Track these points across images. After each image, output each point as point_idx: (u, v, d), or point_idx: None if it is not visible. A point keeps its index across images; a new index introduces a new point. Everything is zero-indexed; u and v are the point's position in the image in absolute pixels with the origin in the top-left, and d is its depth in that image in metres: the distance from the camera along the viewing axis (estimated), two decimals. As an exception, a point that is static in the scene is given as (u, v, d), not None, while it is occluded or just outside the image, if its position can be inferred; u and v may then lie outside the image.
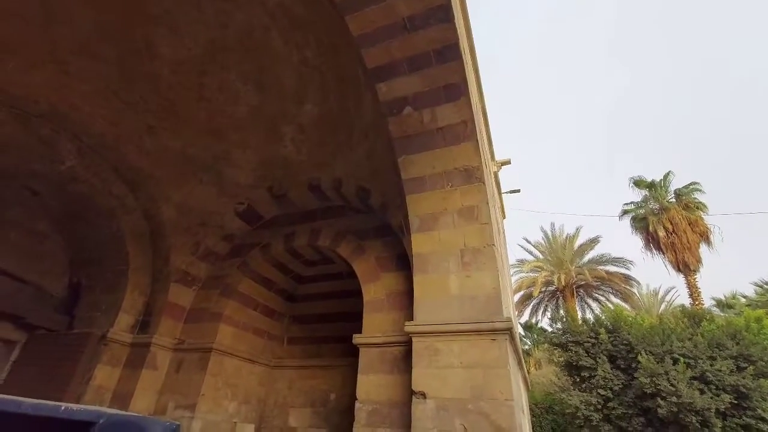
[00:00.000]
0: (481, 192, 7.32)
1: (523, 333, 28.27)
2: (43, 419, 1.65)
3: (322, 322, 11.17)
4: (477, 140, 7.32)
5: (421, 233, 7.53)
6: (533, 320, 27.83)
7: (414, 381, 6.42)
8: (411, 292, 7.41)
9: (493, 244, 7.02)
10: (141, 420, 2.11)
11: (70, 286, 10.58)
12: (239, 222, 10.67)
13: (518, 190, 12.92)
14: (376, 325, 7.88)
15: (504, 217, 13.15)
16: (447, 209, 7.45)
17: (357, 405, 7.22)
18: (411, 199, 7.63)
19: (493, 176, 10.59)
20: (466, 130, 7.29)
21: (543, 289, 26.19)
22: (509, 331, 6.36)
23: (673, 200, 25.27)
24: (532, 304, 26.94)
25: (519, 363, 7.56)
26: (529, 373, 14.44)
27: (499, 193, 12.33)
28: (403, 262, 8.37)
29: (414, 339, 6.80)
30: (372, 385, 7.31)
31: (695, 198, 25.04)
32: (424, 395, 6.25)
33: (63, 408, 1.75)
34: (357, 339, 7.82)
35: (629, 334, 12.57)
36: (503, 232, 12.16)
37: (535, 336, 26.37)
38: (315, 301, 11.50)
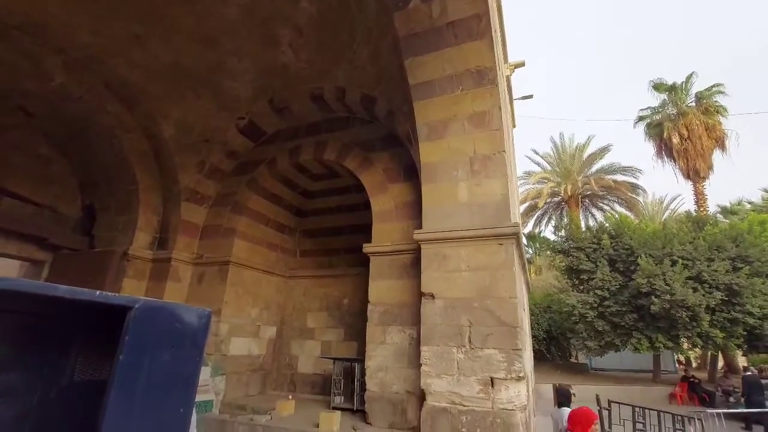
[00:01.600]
0: (494, 95, 6.93)
1: (526, 243, 29.31)
2: (80, 305, 1.73)
3: (333, 235, 11.51)
4: (491, 37, 6.70)
5: (430, 142, 7.32)
6: (536, 231, 28.59)
7: (423, 284, 6.77)
8: (419, 202, 7.47)
9: (504, 151, 6.85)
10: (175, 306, 2.22)
11: (83, 208, 10.80)
12: (242, 138, 10.43)
13: (531, 96, 12.23)
14: (385, 234, 8.09)
15: (514, 126, 12.68)
16: (457, 115, 7.13)
17: (369, 307, 7.74)
18: (419, 106, 7.28)
19: (505, 80, 9.95)
20: (479, 25, 6.64)
21: (548, 201, 26.40)
22: (515, 235, 6.50)
23: (693, 104, 24.07)
24: (536, 215, 27.44)
25: (522, 266, 7.87)
26: (530, 278, 15.19)
27: (510, 100, 11.72)
28: (411, 173, 8.29)
29: (423, 246, 7.02)
30: (382, 289, 7.75)
31: (716, 101, 23.80)
32: (432, 296, 6.64)
33: (98, 293, 1.83)
34: (367, 248, 8.10)
35: (631, 239, 12.92)
36: (512, 141, 11.84)
37: (538, 245, 27.32)
38: (324, 215, 11.73)
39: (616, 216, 15.46)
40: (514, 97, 12.64)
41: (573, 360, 17.08)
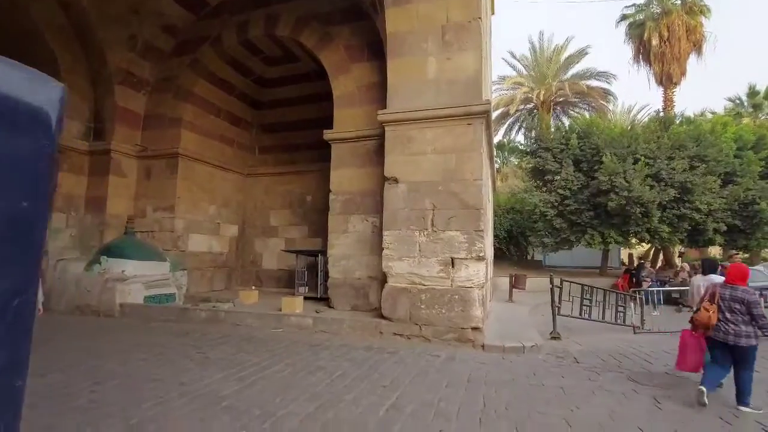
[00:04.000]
0: (471, -54, 5.89)
1: (495, 153, 29.10)
2: None
3: (294, 129, 10.68)
4: None
5: (397, 7, 6.34)
6: (505, 139, 28.41)
7: (386, 168, 6.39)
8: (384, 84, 6.73)
9: (480, 18, 6.04)
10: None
11: None
12: (180, 9, 8.85)
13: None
14: (348, 120, 7.45)
15: (492, 12, 11.46)
16: (428, -28, 6.10)
17: (331, 197, 7.41)
18: (384, -40, 6.15)
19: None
20: None
21: (520, 107, 25.82)
22: (486, 114, 6.05)
23: (678, 2, 22.89)
24: (507, 123, 27.01)
25: (489, 147, 7.56)
26: (495, 187, 15.21)
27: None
28: (376, 51, 7.39)
29: (387, 128, 6.48)
30: (344, 178, 7.35)
31: (701, 1, 22.68)
32: (396, 180, 6.31)
33: None
34: (328, 135, 7.49)
35: (599, 139, 12.87)
36: (489, 27, 10.76)
37: (506, 154, 27.36)
38: (284, 107, 10.75)
39: (587, 117, 15.39)
40: (495, -27, 11.19)
41: (529, 258, 18.31)
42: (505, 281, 12.71)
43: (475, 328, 5.66)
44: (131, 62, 8.87)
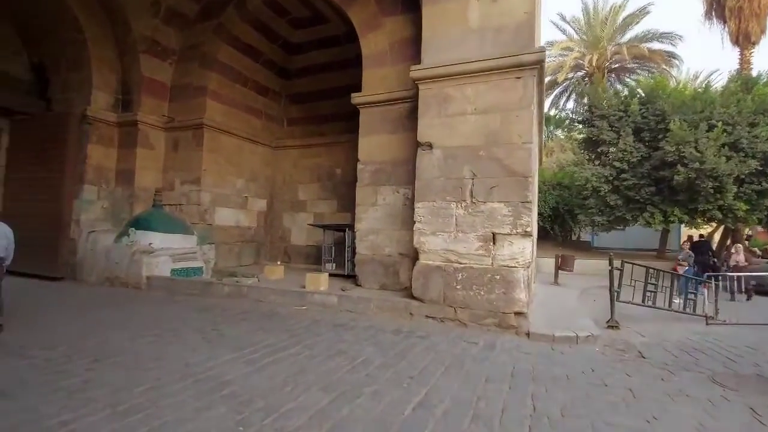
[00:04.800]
0: None
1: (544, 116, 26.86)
2: None
3: (322, 99, 10.09)
4: None
5: (433, -57, 5.47)
6: (551, 112, 26.34)
7: (420, 133, 5.66)
8: (419, 39, 5.93)
9: (532, -53, 5.05)
10: None
11: (33, 68, 9.31)
12: (201, -30, 8.36)
13: None
14: (377, 81, 6.72)
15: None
16: None
17: (359, 166, 6.79)
18: None
19: None
20: None
21: (570, 76, 23.65)
22: (539, 65, 5.12)
23: (762, -52, 19.68)
24: (554, 93, 24.91)
25: (540, 107, 6.60)
26: (541, 159, 13.88)
27: None
28: (410, 2, 6.54)
29: (421, 87, 5.72)
30: (374, 145, 6.69)
31: (791, -56, 19.36)
32: (430, 146, 5.58)
33: None
34: (356, 98, 6.82)
35: (665, 103, 11.27)
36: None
37: (551, 128, 25.38)
38: (312, 76, 10.15)
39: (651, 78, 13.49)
40: None
41: (574, 239, 16.88)
42: (548, 262, 11.73)
43: (518, 313, 4.94)
44: (155, 30, 8.55)
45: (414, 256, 5.76)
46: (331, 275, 7.34)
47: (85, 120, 8.31)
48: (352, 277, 7.20)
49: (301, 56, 10.03)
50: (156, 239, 7.54)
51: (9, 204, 8.61)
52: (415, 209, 5.60)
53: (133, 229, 7.65)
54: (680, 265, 8.48)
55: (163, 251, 7.48)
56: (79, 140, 8.29)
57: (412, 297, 5.47)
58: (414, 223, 5.61)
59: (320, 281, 6.19)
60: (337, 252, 8.40)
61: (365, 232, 6.60)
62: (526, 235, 5.08)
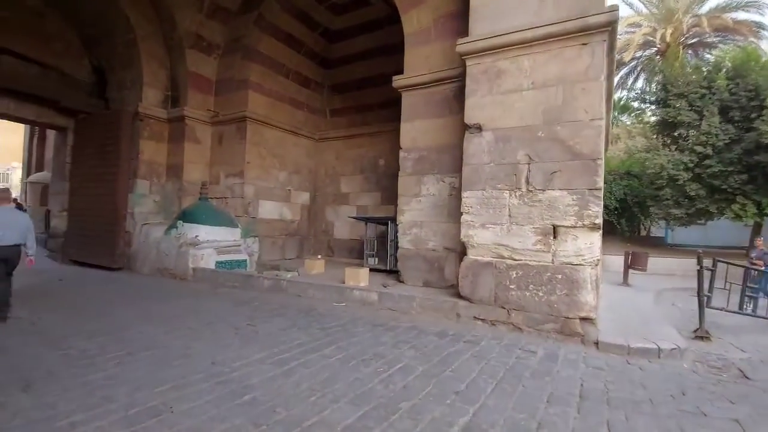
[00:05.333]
0: None
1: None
2: None
3: (365, 87, 9.73)
4: None
5: None
6: (615, 96, 24.02)
7: (467, 114, 5.08)
8: (466, 12, 5.34)
9: None
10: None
11: (94, 70, 9.84)
12: (242, -39, 8.29)
13: None
14: (420, 61, 6.20)
15: None
16: None
17: (401, 154, 6.33)
18: None
19: None
20: None
21: (638, 54, 21.35)
22: (610, 27, 4.35)
23: None
24: (619, 75, 22.65)
25: (609, 80, 5.72)
26: (607, 145, 12.49)
27: None
28: (457, -29, 5.93)
29: (469, 62, 5.13)
30: (417, 131, 6.19)
31: None
32: (479, 128, 4.99)
33: None
34: (398, 81, 6.35)
35: (759, 77, 9.65)
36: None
37: (617, 113, 23.16)
38: (354, 63, 9.82)
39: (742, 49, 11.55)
40: None
41: (643, 234, 15.08)
42: (614, 260, 10.59)
43: (585, 319, 4.25)
44: (200, 25, 8.64)
45: (461, 250, 5.23)
46: (373, 270, 6.99)
47: (138, 117, 8.61)
48: (394, 273, 6.79)
49: (343, 43, 9.73)
50: (202, 232, 7.61)
51: (74, 198, 9.19)
52: (462, 199, 5.05)
53: (181, 221, 7.78)
54: (754, 264, 6.99)
55: (208, 244, 7.54)
56: (133, 136, 8.61)
57: (459, 296, 4.94)
58: (461, 214, 5.07)
59: (360, 276, 5.85)
60: (379, 246, 8.03)
61: (408, 224, 6.15)
62: (594, 228, 4.36)
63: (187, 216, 7.85)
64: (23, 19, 8.77)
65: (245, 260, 8.02)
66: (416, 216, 6.08)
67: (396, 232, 6.58)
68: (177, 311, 5.11)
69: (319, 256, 8.02)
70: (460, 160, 5.30)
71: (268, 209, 9.03)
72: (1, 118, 8.95)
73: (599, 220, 4.35)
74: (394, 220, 6.94)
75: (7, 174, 31.08)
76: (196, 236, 7.58)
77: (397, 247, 6.44)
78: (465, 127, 5.13)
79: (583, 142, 4.36)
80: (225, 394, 2.68)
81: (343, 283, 5.90)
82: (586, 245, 4.35)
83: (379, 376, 3.09)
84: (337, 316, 5.00)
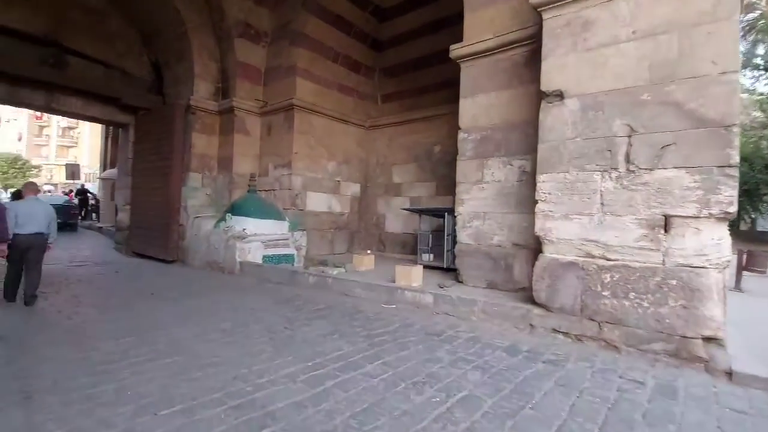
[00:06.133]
0: None
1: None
2: None
3: (418, 68, 8.94)
4: None
5: None
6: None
7: (545, 80, 4.13)
8: (540, -41, 4.36)
9: None
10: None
11: (153, 67, 10.06)
12: (288, -60, 7.86)
13: None
14: (483, 25, 5.30)
15: None
16: None
17: (460, 136, 5.49)
18: None
19: None
20: None
21: (741, 18, 18.04)
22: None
23: None
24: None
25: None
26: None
27: None
28: None
29: (546, 16, 4.17)
30: (479, 107, 5.31)
31: None
32: (560, 95, 4.02)
33: None
34: (456, 51, 5.49)
35: None
36: None
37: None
38: (407, 43, 9.06)
39: None
40: None
41: (758, 229, 12.58)
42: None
43: (710, 339, 3.20)
44: (249, 12, 8.40)
45: (535, 247, 4.32)
46: (427, 268, 6.26)
47: (190, 110, 8.58)
48: (452, 271, 5.99)
49: (394, 21, 9.02)
50: (249, 225, 7.36)
51: (135, 192, 9.46)
52: (538, 184, 4.13)
53: (230, 214, 7.60)
54: None
55: (256, 237, 7.26)
56: (185, 130, 8.60)
57: (533, 302, 4.05)
58: (535, 203, 4.15)
59: (412, 275, 5.13)
60: (435, 241, 7.26)
61: (468, 216, 5.31)
62: (724, 218, 3.26)
63: (235, 209, 7.66)
64: (90, 20, 9.09)
65: (292, 254, 7.67)
66: (478, 206, 5.23)
67: (454, 225, 5.77)
68: (216, 308, 4.77)
69: (369, 251, 7.42)
70: (533, 139, 4.38)
71: (316, 201, 8.62)
72: (69, 117, 9.44)
73: (734, 209, 3.24)
74: (451, 211, 6.11)
75: (96, 173, 34.52)
76: (244, 229, 7.34)
77: (455, 242, 5.63)
78: (540, 97, 4.19)
79: (710, 104, 3.26)
80: (239, 425, 2.12)
81: (394, 282, 5.22)
82: (712, 241, 3.27)
83: (434, 410, 2.37)
84: (385, 320, 4.33)
